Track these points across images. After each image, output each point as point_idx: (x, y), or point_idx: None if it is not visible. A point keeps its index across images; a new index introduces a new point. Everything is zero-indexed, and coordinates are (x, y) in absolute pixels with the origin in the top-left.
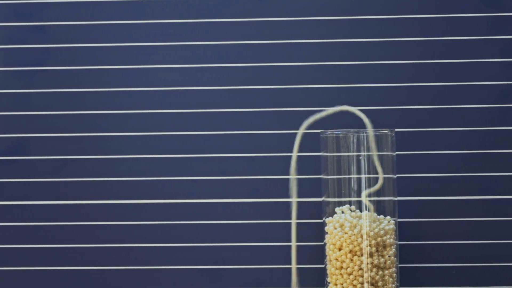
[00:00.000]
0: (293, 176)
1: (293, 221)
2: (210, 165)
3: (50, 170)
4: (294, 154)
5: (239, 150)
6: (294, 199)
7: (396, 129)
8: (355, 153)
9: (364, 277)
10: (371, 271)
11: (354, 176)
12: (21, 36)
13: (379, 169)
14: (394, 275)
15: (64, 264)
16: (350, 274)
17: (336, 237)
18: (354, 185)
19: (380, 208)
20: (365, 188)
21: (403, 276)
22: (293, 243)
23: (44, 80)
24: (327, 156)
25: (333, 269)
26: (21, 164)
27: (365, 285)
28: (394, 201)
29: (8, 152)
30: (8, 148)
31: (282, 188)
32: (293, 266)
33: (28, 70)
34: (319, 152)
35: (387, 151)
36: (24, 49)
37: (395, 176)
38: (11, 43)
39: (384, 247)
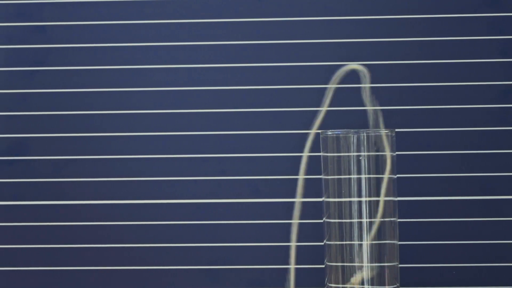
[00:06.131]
0: (301, 176)
1: (295, 221)
2: (210, 165)
3: (50, 170)
4: (306, 152)
5: (239, 150)
6: (298, 199)
7: (396, 129)
8: (355, 153)
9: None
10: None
11: (354, 176)
12: (21, 36)
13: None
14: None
15: (64, 264)
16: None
17: None
18: (354, 185)
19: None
20: (366, 190)
21: (403, 276)
22: (293, 243)
23: (44, 80)
24: (327, 156)
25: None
26: (21, 164)
27: (365, 286)
28: (394, 201)
29: (8, 152)
30: (8, 148)
31: (282, 188)
32: (292, 266)
33: (28, 70)
34: (319, 152)
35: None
36: (24, 49)
37: (395, 176)
38: (11, 43)
39: None
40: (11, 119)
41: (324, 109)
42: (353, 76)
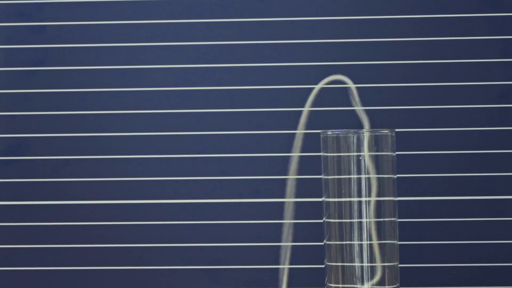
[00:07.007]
0: (291, 176)
1: (288, 221)
2: (210, 165)
3: (50, 170)
4: (295, 153)
5: (239, 150)
6: (290, 199)
7: (396, 129)
8: (355, 153)
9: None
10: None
11: (354, 176)
12: (21, 36)
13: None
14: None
15: (64, 264)
16: None
17: None
18: (354, 185)
19: (380, 208)
20: (366, 190)
21: (403, 276)
22: (288, 244)
23: (44, 80)
24: (327, 156)
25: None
26: (21, 164)
27: (365, 286)
28: (394, 201)
29: (8, 152)
30: (8, 148)
31: (282, 188)
32: (285, 266)
33: (28, 70)
34: (319, 152)
35: (387, 151)
36: (24, 49)
37: (395, 176)
38: (11, 43)
39: None
40: (11, 119)
41: (300, 131)
42: (352, 75)
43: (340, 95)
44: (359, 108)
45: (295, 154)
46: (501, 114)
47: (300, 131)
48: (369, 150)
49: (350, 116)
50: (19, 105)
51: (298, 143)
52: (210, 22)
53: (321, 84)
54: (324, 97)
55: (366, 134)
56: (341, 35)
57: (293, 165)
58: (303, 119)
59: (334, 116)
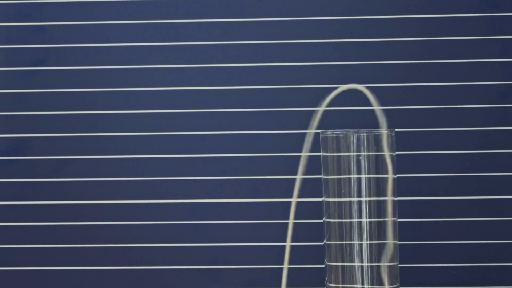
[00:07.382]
0: (299, 176)
1: (291, 221)
2: (210, 165)
3: (50, 170)
4: (305, 151)
5: (239, 150)
6: (294, 199)
7: (396, 129)
8: (355, 153)
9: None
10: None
11: (354, 176)
12: (21, 36)
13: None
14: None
15: (64, 264)
16: None
17: None
18: (354, 185)
19: (380, 208)
20: (366, 190)
21: (403, 276)
22: (288, 243)
23: (44, 80)
24: (327, 156)
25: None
26: (21, 164)
27: (365, 286)
28: (394, 201)
29: (8, 152)
30: (8, 148)
31: (282, 188)
32: (285, 266)
33: (28, 70)
34: (319, 152)
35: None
36: (24, 49)
37: (395, 176)
38: (11, 43)
39: None
40: (11, 119)
41: (312, 131)
42: (352, 75)
43: (340, 95)
44: (377, 108)
45: (304, 154)
46: (501, 114)
47: (311, 130)
48: (389, 150)
49: (350, 116)
50: (19, 105)
51: (307, 144)
52: (210, 22)
53: (339, 91)
54: (324, 97)
55: (385, 134)
56: (341, 35)
57: (302, 166)
58: (315, 121)
59: (334, 116)
